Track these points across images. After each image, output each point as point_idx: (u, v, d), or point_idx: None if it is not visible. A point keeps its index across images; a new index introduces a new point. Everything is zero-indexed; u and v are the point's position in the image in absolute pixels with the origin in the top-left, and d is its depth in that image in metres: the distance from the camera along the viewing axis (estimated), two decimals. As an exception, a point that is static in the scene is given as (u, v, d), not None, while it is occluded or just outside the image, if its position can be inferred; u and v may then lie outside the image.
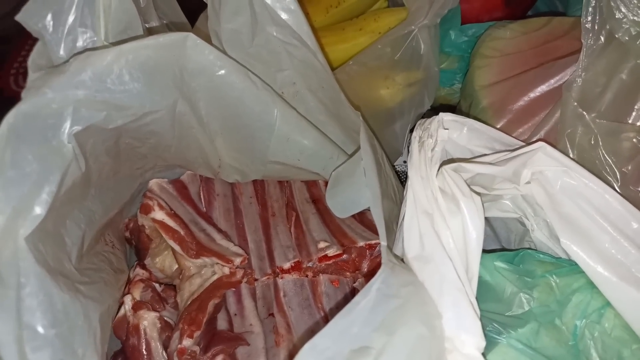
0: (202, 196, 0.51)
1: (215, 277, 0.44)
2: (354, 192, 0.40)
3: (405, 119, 0.58)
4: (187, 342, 0.40)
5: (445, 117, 0.40)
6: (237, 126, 0.41)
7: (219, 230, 0.48)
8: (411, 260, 0.34)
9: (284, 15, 0.38)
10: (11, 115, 0.29)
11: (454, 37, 0.60)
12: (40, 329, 0.28)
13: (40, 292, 0.28)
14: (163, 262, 0.49)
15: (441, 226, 0.34)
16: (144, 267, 0.48)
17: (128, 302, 0.43)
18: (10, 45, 0.83)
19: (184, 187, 0.51)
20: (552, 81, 0.46)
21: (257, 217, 0.50)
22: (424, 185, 0.36)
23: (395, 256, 0.36)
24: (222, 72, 0.37)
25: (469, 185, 0.35)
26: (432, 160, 0.37)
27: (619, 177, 0.39)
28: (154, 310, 0.43)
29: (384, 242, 0.33)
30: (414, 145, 0.38)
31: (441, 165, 0.38)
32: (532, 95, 0.46)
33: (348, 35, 0.62)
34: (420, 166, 0.36)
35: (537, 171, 0.36)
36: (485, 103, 0.49)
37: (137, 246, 0.50)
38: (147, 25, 0.42)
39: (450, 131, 0.40)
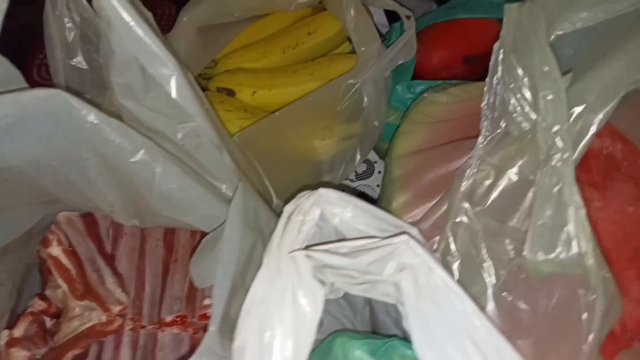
0: (110, 233, 0.51)
1: (90, 324, 0.44)
2: (214, 263, 0.39)
3: (334, 173, 0.57)
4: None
5: (326, 193, 0.38)
6: (120, 181, 0.41)
7: (114, 273, 0.48)
8: (234, 349, 0.32)
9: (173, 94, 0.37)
10: None
11: (400, 92, 0.58)
12: None
13: None
14: (62, 294, 0.49)
15: (272, 317, 0.32)
16: (43, 297, 0.48)
17: (4, 337, 0.43)
18: (35, 36, 0.81)
19: (94, 222, 0.51)
20: (461, 161, 0.43)
21: (160, 261, 0.50)
22: (270, 267, 0.34)
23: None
24: (95, 127, 0.37)
25: (316, 276, 0.34)
26: (296, 241, 0.36)
27: (494, 280, 0.36)
28: (29, 349, 0.43)
29: (212, 328, 0.32)
30: (280, 224, 0.37)
31: (308, 247, 0.36)
32: (439, 172, 0.44)
33: (299, 78, 0.61)
34: (272, 248, 0.35)
35: (406, 262, 0.35)
36: (395, 173, 0.46)
37: (41, 276, 0.51)
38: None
39: (336, 209, 0.38)
